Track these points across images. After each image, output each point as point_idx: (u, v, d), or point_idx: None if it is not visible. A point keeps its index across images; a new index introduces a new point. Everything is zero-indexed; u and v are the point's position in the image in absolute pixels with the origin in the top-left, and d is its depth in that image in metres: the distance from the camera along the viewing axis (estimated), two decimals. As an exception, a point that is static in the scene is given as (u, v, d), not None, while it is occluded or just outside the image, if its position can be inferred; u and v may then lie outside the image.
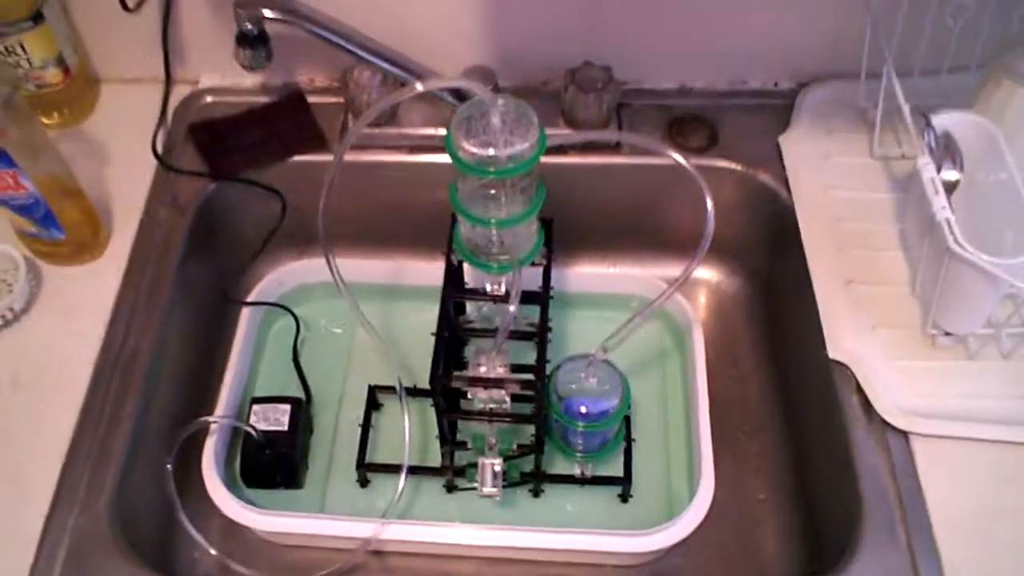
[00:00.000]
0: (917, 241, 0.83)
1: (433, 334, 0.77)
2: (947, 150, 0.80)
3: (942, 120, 0.81)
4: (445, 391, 0.78)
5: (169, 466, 0.80)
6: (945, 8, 0.86)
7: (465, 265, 0.80)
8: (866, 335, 0.82)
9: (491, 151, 0.65)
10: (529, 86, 1.01)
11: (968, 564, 0.70)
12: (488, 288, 0.79)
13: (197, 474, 0.83)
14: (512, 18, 0.95)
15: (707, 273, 1.04)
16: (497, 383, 0.76)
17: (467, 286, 0.85)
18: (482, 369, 0.77)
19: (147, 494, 0.80)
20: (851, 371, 0.80)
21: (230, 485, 0.83)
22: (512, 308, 0.72)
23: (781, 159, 0.95)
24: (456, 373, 0.77)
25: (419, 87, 0.68)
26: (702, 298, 1.04)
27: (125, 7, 0.91)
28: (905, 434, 0.76)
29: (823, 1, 0.92)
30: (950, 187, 0.79)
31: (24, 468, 0.77)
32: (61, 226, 0.85)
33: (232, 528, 0.85)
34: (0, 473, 0.76)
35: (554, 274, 0.81)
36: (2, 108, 0.76)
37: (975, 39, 0.89)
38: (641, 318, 0.76)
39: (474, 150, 0.65)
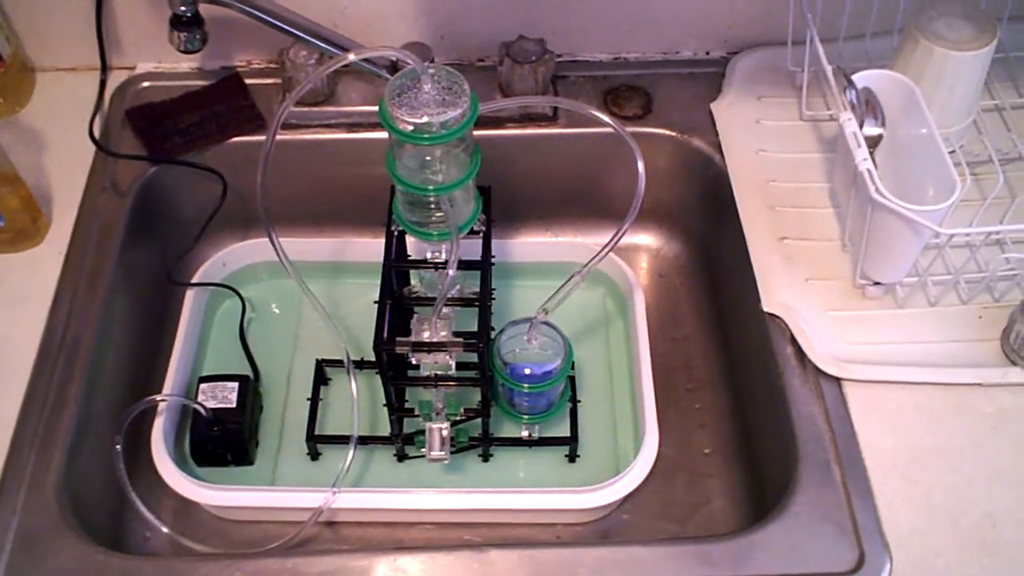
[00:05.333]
0: (845, 196, 0.86)
1: (376, 302, 0.78)
2: (869, 106, 0.82)
3: (862, 78, 0.83)
4: (391, 359, 0.79)
5: (118, 446, 0.80)
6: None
7: (407, 236, 0.81)
8: (799, 288, 0.84)
9: (424, 118, 0.66)
10: (465, 62, 1.02)
11: (899, 499, 0.73)
12: (429, 256, 0.80)
13: (147, 454, 0.83)
14: (446, -6, 0.96)
15: (647, 239, 1.06)
16: (440, 346, 0.77)
17: (409, 257, 0.86)
18: (426, 335, 0.78)
19: (96, 474, 0.80)
20: (785, 323, 0.82)
21: (180, 464, 0.83)
22: (451, 272, 0.73)
23: (714, 125, 0.97)
24: (400, 339, 0.78)
25: (351, 57, 0.69)
26: (643, 263, 1.05)
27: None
28: (838, 381, 0.79)
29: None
30: (873, 142, 0.81)
31: (-31, 453, 0.76)
32: (-1, 213, 0.85)
33: (184, 506, 0.85)
34: (-55, 459, 0.76)
35: (496, 245, 0.82)
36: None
37: (896, 3, 0.92)
38: (580, 278, 0.78)
39: (408, 118, 0.66)
